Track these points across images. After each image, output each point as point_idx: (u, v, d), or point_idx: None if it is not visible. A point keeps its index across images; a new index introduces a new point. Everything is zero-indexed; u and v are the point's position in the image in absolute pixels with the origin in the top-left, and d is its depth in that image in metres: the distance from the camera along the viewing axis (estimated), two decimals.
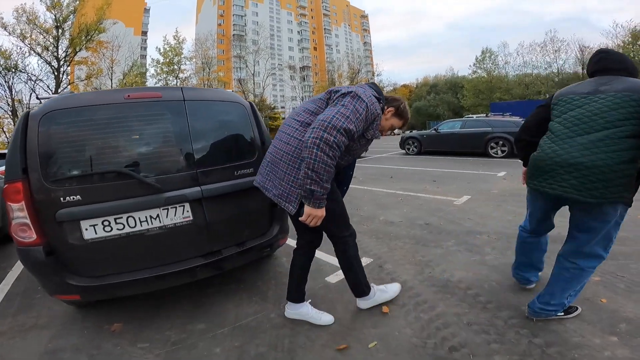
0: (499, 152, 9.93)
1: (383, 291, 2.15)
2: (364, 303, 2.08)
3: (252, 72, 37.49)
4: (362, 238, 3.38)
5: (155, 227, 1.91)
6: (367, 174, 7.95)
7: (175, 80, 31.77)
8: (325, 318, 1.99)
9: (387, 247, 3.12)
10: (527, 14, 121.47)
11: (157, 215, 1.92)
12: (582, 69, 44.38)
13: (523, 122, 2.08)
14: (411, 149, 12.36)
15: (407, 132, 14.32)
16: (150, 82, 32.13)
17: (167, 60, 31.09)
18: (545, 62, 47.12)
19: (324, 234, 1.98)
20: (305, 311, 2.02)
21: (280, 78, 54.24)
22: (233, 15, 63.79)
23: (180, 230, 1.99)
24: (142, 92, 2.02)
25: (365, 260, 2.85)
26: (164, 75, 31.67)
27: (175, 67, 31.61)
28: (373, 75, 55.16)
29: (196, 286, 2.50)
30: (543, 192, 1.80)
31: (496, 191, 5.17)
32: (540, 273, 2.30)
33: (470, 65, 55.74)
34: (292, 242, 3.31)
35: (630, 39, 39.64)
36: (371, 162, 10.77)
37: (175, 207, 1.97)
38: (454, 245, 3.05)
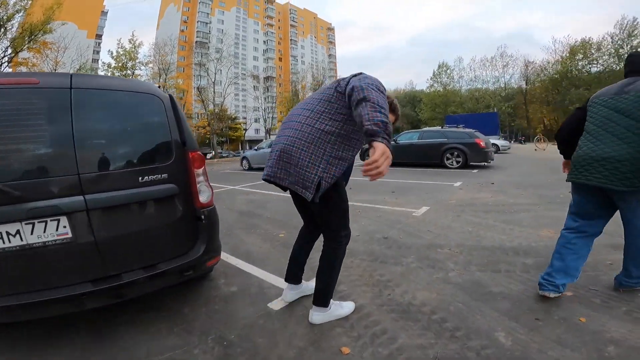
0: (454, 162, 10.14)
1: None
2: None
3: (213, 80, 36.43)
4: (313, 255, 3.00)
5: (15, 247, 1.44)
6: None
7: None
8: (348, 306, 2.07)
9: (343, 266, 2.76)
10: (480, 30, 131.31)
11: (17, 232, 1.45)
12: (526, 84, 48.58)
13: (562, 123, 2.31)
14: None
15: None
16: None
17: (120, 64, 29.45)
18: (493, 76, 50.76)
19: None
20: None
21: (243, 87, 53.32)
22: (197, 21, 62.10)
23: (55, 250, 1.53)
24: (13, 77, 1.57)
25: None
26: None
27: (129, 72, 29.97)
28: None
29: (102, 313, 1.99)
30: (582, 183, 1.99)
31: (454, 201, 5.08)
32: (571, 283, 2.16)
33: (427, 79, 58.44)
34: (231, 261, 2.97)
35: (567, 54, 43.94)
36: None
37: (46, 222, 1.50)
38: (415, 261, 2.77)
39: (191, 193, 2.03)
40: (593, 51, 41.72)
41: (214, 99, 37.22)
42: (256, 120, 53.00)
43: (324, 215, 1.81)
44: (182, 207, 1.95)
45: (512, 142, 27.23)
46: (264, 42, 75.01)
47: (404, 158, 11.10)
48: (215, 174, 13.02)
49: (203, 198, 2.08)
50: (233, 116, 48.63)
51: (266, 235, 3.79)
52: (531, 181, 7.05)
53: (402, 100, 71.07)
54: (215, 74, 36.38)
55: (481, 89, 50.35)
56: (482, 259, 2.75)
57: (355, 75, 1.62)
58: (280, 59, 77.24)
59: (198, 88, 36.75)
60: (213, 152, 35.57)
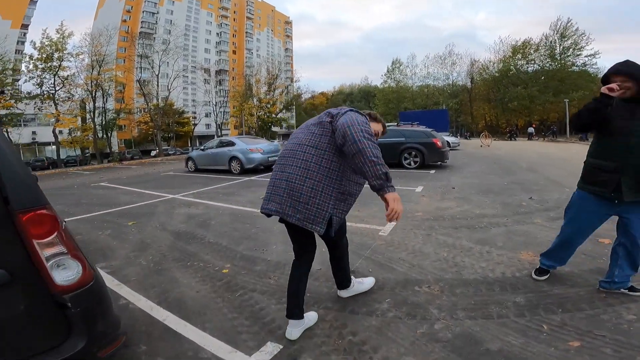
0: (412, 162, 10.01)
1: (360, 283, 2.45)
2: (345, 292, 2.39)
3: (157, 73, 33.61)
4: (268, 304, 2.37)
5: None
6: None
7: (53, 78, 26.76)
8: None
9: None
10: (429, 29, 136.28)
11: None
12: (471, 82, 51.48)
13: None
14: None
15: None
16: (22, 79, 27.40)
17: (44, 55, 26.17)
18: (443, 74, 53.22)
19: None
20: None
21: (193, 81, 50.15)
22: (143, 11, 56.91)
23: None
24: None
25: (271, 348, 1.88)
26: (38, 72, 26.44)
27: (55, 63, 26.57)
28: (292, 81, 54.97)
29: None
30: None
31: (420, 213, 4.71)
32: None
33: (382, 75, 60.25)
34: (157, 314, 2.08)
35: (510, 53, 47.16)
36: None
37: None
38: (392, 308, 2.25)
39: (38, 276, 1.28)
40: (532, 51, 45.24)
41: (157, 93, 34.41)
42: (207, 115, 50.27)
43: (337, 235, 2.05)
44: (25, 297, 1.23)
45: (459, 137, 28.53)
46: (218, 34, 71.34)
47: None
48: (156, 176, 11.70)
49: (64, 278, 1.33)
50: (180, 110, 45.51)
51: (206, 271, 3.06)
52: (488, 184, 7.00)
53: (356, 95, 72.23)
54: (159, 66, 33.61)
55: (430, 86, 52.56)
56: (467, 300, 2.31)
57: (341, 112, 1.76)
58: (234, 52, 74.03)
59: (139, 81, 33.66)
60: (157, 150, 32.97)
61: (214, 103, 42.49)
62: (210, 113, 47.34)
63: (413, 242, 3.50)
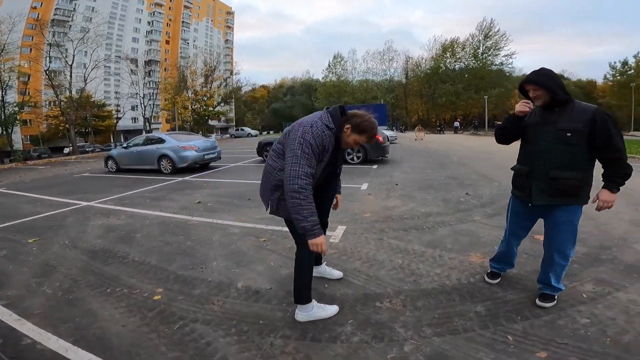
0: (355, 158, 10.06)
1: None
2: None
3: (71, 63, 29.39)
4: (215, 338, 1.96)
5: None
6: (218, 194, 6.39)
7: None
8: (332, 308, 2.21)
9: (253, 351, 1.82)
10: (370, 25, 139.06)
11: None
12: (406, 77, 54.34)
13: None
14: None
15: (266, 136, 13.64)
16: None
17: None
18: (381, 69, 55.42)
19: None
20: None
21: (117, 72, 44.95)
22: None
23: None
24: None
25: None
26: None
27: None
28: (231, 74, 52.44)
29: None
30: None
31: (368, 214, 4.58)
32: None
33: (323, 70, 60.77)
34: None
35: (440, 52, 50.63)
36: (226, 174, 9.20)
37: None
38: (356, 330, 2.01)
39: None
40: (459, 50, 49.18)
41: (70, 84, 30.13)
42: (133, 109, 45.67)
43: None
44: None
45: (395, 130, 29.93)
46: (149, 22, 65.63)
47: None
48: (67, 179, 10.10)
49: None
50: (100, 103, 40.55)
51: (132, 298, 2.52)
52: (428, 179, 7.23)
53: (298, 89, 71.67)
54: (74, 55, 29.41)
55: (369, 81, 54.43)
56: (431, 313, 2.17)
57: (292, 140, 1.88)
58: (167, 42, 68.56)
59: (47, 72, 29.10)
60: (70, 147, 29.00)
61: (142, 95, 38.50)
62: (137, 106, 43.03)
63: (366, 249, 3.32)
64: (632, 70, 46.56)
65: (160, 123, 57.58)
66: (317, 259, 2.61)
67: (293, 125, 1.98)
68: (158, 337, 1.99)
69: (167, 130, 47.50)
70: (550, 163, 2.08)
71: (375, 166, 9.55)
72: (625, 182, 2.01)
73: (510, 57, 46.96)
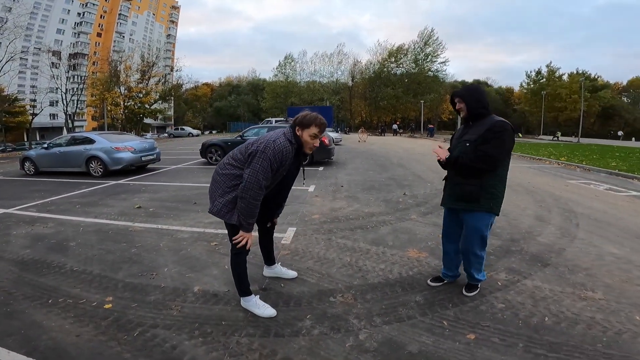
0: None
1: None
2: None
3: None
4: (179, 341, 1.98)
5: None
6: (161, 198, 6.11)
7: None
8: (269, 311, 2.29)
9: (221, 351, 1.89)
10: (319, 25, 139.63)
11: None
12: (352, 80, 55.86)
13: None
14: (214, 158, 11.06)
15: (210, 136, 13.18)
16: None
17: None
18: (329, 71, 56.19)
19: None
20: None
21: (35, 65, 39.41)
22: None
23: None
24: None
25: None
26: None
27: None
28: (172, 70, 49.09)
29: None
30: None
31: (317, 216, 4.79)
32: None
33: (273, 69, 59.93)
34: None
35: (386, 56, 52.86)
36: (166, 177, 8.76)
37: None
38: (315, 324, 2.18)
39: None
40: (401, 56, 51.96)
41: None
42: (52, 104, 40.51)
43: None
44: None
45: (340, 132, 30.85)
46: (79, 13, 59.49)
47: None
48: None
49: None
50: (12, 96, 35.16)
51: (79, 308, 2.40)
52: (370, 181, 7.71)
53: (244, 88, 69.70)
54: None
55: (317, 82, 55.04)
56: (379, 305, 2.42)
57: (253, 154, 2.07)
58: (99, 35, 62.44)
59: None
60: None
61: (64, 90, 34.28)
62: (57, 102, 38.26)
63: (317, 249, 3.52)
64: (544, 79, 53.36)
65: (85, 120, 51.96)
66: (268, 259, 2.82)
67: (259, 138, 2.14)
68: (119, 344, 1.96)
69: (93, 129, 42.95)
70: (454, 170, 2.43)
71: (321, 168, 9.85)
72: (452, 166, 2.37)
73: (445, 64, 51.23)
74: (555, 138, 36.37)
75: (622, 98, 61.75)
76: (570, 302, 2.45)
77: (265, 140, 2.08)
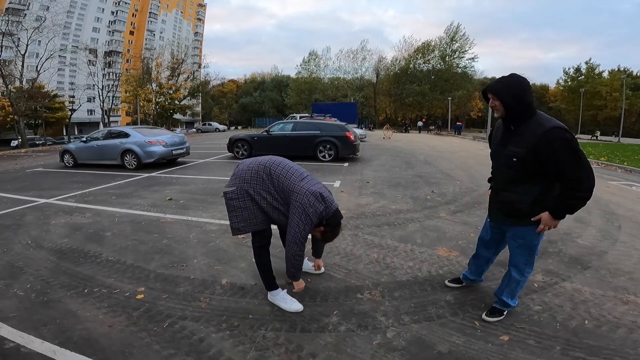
0: (327, 155, 10.22)
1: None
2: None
3: (23, 53, 26.86)
4: (207, 334, 2.01)
5: None
6: (191, 190, 6.28)
7: None
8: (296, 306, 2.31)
9: (247, 345, 1.91)
10: (342, 22, 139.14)
11: None
12: (377, 76, 55.09)
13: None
14: (241, 153, 11.24)
15: (236, 132, 13.49)
16: None
17: None
18: (353, 68, 55.71)
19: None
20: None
21: (73, 62, 41.74)
22: None
23: None
24: None
25: None
26: None
27: None
28: (200, 67, 50.51)
29: None
30: None
31: (344, 211, 4.70)
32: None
33: (296, 66, 60.20)
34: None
35: (413, 52, 51.71)
36: (195, 170, 8.99)
37: None
38: (342, 321, 2.16)
39: None
40: (429, 52, 50.65)
41: (21, 75, 27.60)
42: (90, 100, 42.68)
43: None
44: None
45: (364, 129, 30.55)
46: (112, 12, 62.23)
47: (278, 150, 10.50)
48: (18, 174, 9.36)
49: None
50: (52, 93, 37.40)
51: (113, 298, 2.49)
52: (396, 178, 7.55)
53: (269, 84, 70.71)
54: (27, 45, 26.93)
55: (341, 79, 54.74)
56: (407, 303, 2.37)
57: (298, 208, 2.07)
58: (131, 33, 65.01)
59: None
60: (20, 139, 26.70)
61: (101, 87, 36.05)
62: (94, 98, 40.32)
63: (343, 245, 3.48)
64: (583, 76, 50.59)
65: (119, 116, 54.42)
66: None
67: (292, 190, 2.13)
68: (148, 335, 2.01)
69: (127, 124, 44.84)
70: (500, 184, 2.07)
71: (346, 164, 9.78)
72: (573, 213, 1.86)
73: (473, 60, 49.41)
74: (594, 137, 34.40)
75: None
76: (612, 306, 2.32)
77: (304, 205, 2.06)
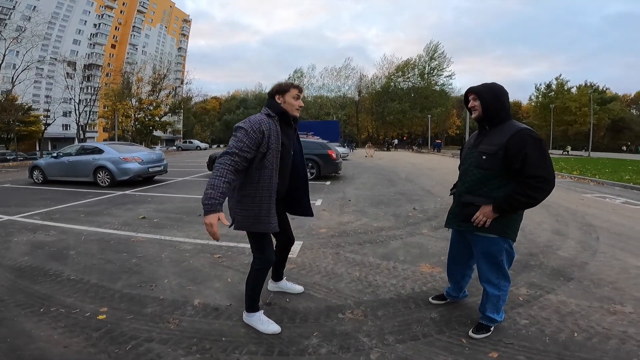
0: (309, 174, 10.12)
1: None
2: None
3: (0, 63, 26.02)
4: (175, 357, 1.83)
5: None
6: (166, 209, 6.02)
7: None
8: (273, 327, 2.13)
9: None
10: (326, 39, 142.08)
11: None
12: (359, 94, 56.10)
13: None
14: None
15: (217, 150, 13.18)
16: None
17: None
18: (336, 86, 56.61)
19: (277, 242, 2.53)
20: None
21: (50, 74, 40.62)
22: None
23: None
24: None
25: None
26: None
27: None
28: (182, 83, 50.07)
29: None
30: None
31: (324, 230, 4.64)
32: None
33: None
34: None
35: (394, 70, 53.04)
36: (173, 188, 8.70)
37: None
38: (322, 342, 2.01)
39: None
40: (409, 69, 52.23)
41: None
42: (65, 115, 41.39)
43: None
44: None
45: (346, 147, 30.85)
46: (95, 25, 62.09)
47: None
48: None
49: None
50: (26, 105, 35.99)
51: (71, 318, 2.27)
52: (378, 195, 7.54)
53: (251, 102, 71.14)
54: (4, 55, 26.12)
55: (324, 97, 55.47)
56: (391, 322, 2.25)
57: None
58: (113, 46, 64.74)
59: None
60: None
61: (77, 101, 35.07)
62: (70, 112, 39.14)
63: (324, 263, 3.35)
64: (553, 92, 52.98)
65: (96, 132, 53.02)
66: (277, 274, 2.66)
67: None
68: (109, 357, 1.82)
69: (104, 140, 43.67)
70: (464, 186, 2.04)
71: (328, 182, 9.73)
72: (514, 211, 1.89)
73: (451, 78, 51.38)
74: (566, 152, 35.88)
75: (631, 110, 60.97)
76: (600, 317, 2.28)
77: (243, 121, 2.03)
